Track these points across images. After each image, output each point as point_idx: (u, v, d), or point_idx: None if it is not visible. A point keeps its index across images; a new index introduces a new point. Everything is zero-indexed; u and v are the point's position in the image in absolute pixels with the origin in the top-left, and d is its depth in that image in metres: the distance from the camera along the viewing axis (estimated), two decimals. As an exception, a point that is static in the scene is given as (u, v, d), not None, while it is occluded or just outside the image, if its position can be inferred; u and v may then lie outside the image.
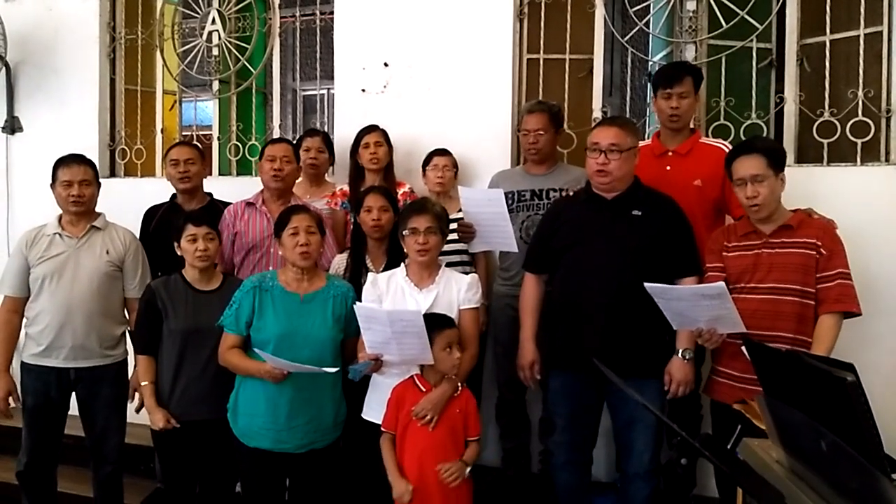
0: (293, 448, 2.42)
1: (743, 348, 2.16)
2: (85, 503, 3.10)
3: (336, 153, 3.44)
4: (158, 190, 3.39)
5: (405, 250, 2.47)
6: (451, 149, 3.21)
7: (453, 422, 2.33)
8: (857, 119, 2.97)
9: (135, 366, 2.69)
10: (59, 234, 2.81)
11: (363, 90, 3.62)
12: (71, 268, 2.78)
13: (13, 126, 4.30)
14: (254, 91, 4.11)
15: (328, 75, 3.85)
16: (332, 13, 3.78)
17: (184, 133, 4.31)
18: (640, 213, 2.42)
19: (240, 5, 3.99)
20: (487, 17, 3.41)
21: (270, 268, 2.83)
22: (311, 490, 2.53)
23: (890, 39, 2.94)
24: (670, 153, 2.77)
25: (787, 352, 1.48)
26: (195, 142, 3.93)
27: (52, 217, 2.88)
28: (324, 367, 2.30)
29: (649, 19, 3.32)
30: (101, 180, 2.94)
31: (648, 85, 3.03)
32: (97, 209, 2.92)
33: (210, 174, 3.94)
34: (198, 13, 4.07)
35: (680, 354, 2.41)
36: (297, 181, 3.21)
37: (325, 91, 4.63)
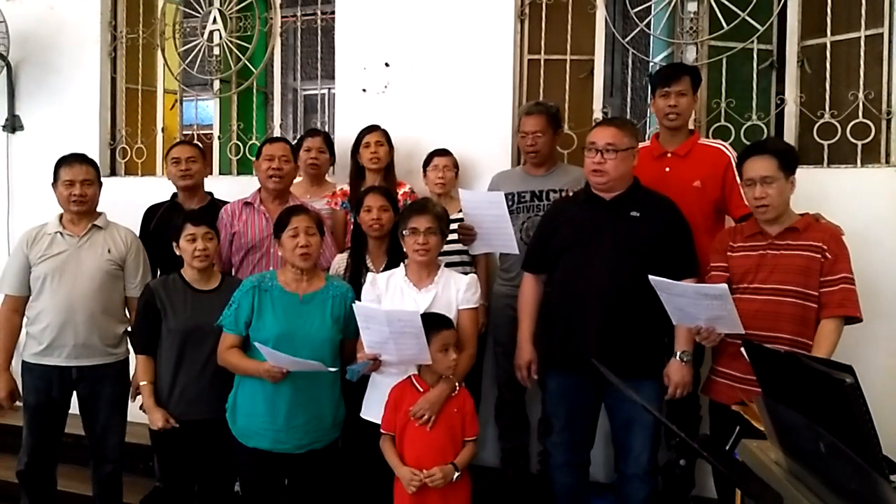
0: (292, 448, 2.42)
1: (742, 349, 2.17)
2: (84, 502, 3.09)
3: (337, 153, 3.45)
4: (159, 189, 3.39)
5: (405, 250, 2.47)
6: (452, 149, 3.21)
7: (451, 421, 2.33)
8: (857, 121, 2.98)
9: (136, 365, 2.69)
10: (61, 233, 2.82)
11: (364, 90, 3.62)
12: (72, 267, 2.78)
13: (14, 125, 4.30)
14: (255, 90, 4.11)
15: (329, 75, 3.86)
16: (333, 13, 3.79)
17: (184, 132, 4.32)
18: (638, 214, 2.41)
19: (241, 5, 3.99)
20: (488, 17, 3.41)
21: (270, 268, 2.83)
22: (310, 490, 2.53)
23: (891, 41, 2.95)
24: (669, 154, 2.77)
25: (785, 353, 1.48)
26: (196, 141, 3.92)
27: (53, 216, 2.88)
28: (324, 367, 2.30)
29: (650, 20, 3.33)
30: (101, 179, 2.94)
31: (649, 86, 3.03)
32: (98, 208, 2.92)
33: (211, 173, 3.95)
34: (199, 12, 4.08)
35: (678, 356, 2.41)
36: (297, 181, 3.21)
37: (325, 91, 4.63)
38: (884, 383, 2.56)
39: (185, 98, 4.33)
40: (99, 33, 4.17)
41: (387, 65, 3.58)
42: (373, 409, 2.46)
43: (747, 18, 3.10)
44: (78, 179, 2.80)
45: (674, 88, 2.69)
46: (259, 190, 3.04)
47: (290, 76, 4.77)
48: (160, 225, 3.09)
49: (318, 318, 2.44)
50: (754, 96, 3.18)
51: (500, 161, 3.34)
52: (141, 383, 2.60)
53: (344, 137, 3.49)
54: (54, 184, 2.84)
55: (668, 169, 2.75)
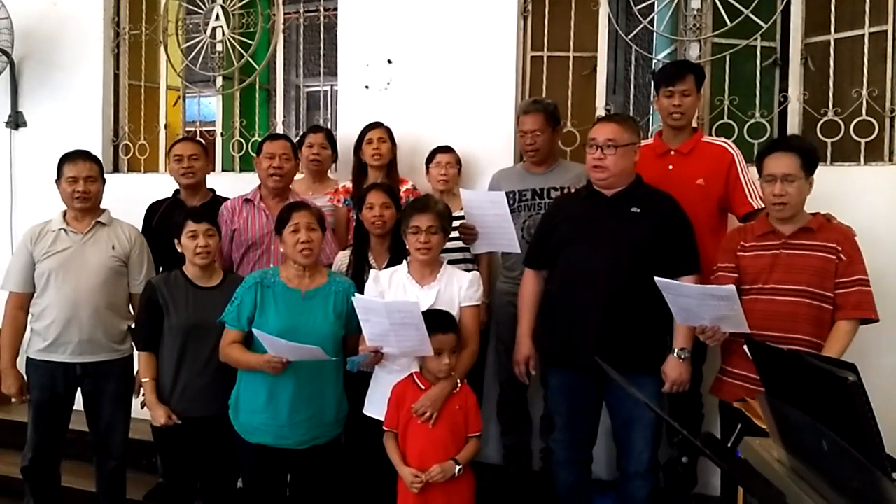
0: (294, 444, 2.43)
1: (745, 347, 2.17)
2: (88, 498, 3.10)
3: (340, 150, 3.45)
4: (161, 186, 3.40)
5: (407, 248, 2.47)
6: (455, 146, 3.20)
7: (454, 418, 2.34)
8: (860, 118, 2.97)
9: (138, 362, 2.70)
10: (65, 230, 2.82)
11: (367, 87, 3.62)
12: (77, 263, 2.78)
13: (17, 121, 4.30)
14: (257, 87, 4.11)
15: (332, 72, 3.86)
16: (335, 9, 3.79)
17: (187, 129, 4.32)
18: (638, 211, 2.41)
19: (243, 1, 3.99)
20: (491, 14, 3.41)
21: (271, 265, 2.83)
22: (313, 486, 2.54)
23: (895, 38, 2.94)
24: (672, 152, 2.77)
25: (788, 351, 1.48)
26: (198, 138, 3.93)
27: (57, 213, 2.88)
28: (324, 356, 2.30)
29: (653, 17, 3.32)
30: (105, 176, 2.94)
31: (652, 83, 3.02)
32: (101, 205, 2.92)
33: (213, 170, 3.95)
34: (202, 9, 4.08)
35: (676, 353, 2.40)
36: (299, 177, 3.21)
37: (328, 87, 4.64)
38: (888, 382, 2.55)
39: (187, 95, 4.33)
40: (102, 30, 4.17)
41: (389, 61, 3.57)
42: (375, 406, 2.47)
43: (751, 15, 3.09)
44: (81, 176, 2.80)
45: (678, 88, 2.68)
46: (259, 186, 3.04)
47: (293, 73, 4.78)
48: (162, 222, 3.10)
49: (320, 314, 2.45)
50: (757, 94, 3.17)
51: (502, 158, 3.34)
52: (143, 380, 2.61)
53: (346, 134, 3.49)
54: (58, 180, 2.84)
55: (671, 167, 2.74)
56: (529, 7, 3.46)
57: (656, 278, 2.20)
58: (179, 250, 2.63)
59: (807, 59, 3.13)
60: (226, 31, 4.02)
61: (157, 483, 3.22)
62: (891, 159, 2.95)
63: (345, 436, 2.61)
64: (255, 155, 3.10)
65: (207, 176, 3.30)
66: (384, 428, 2.38)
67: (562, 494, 2.61)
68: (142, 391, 2.69)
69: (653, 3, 3.31)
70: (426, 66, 3.51)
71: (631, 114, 3.53)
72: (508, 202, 2.79)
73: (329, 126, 3.84)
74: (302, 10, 4.02)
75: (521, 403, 3.15)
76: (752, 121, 3.15)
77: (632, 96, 3.69)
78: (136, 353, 2.76)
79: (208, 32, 4.05)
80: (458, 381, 2.37)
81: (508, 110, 3.39)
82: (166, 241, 2.75)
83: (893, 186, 2.85)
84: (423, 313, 2.25)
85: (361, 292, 2.49)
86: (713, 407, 2.62)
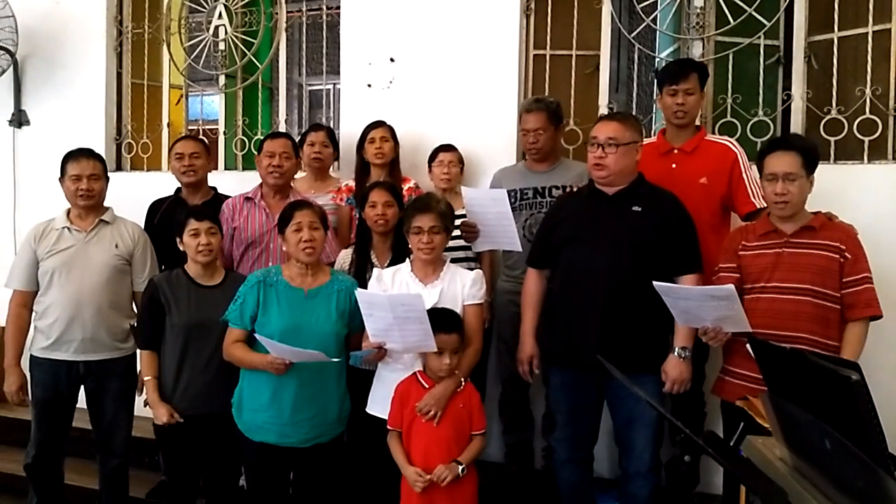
0: (297, 442, 2.43)
1: (747, 346, 2.17)
2: (91, 495, 3.11)
3: (342, 149, 3.45)
4: (164, 184, 3.40)
5: (410, 247, 2.47)
6: (457, 144, 3.20)
7: (457, 416, 2.34)
8: (864, 117, 2.96)
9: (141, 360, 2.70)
10: (68, 228, 2.82)
11: (369, 85, 3.62)
12: (80, 262, 2.79)
13: (20, 119, 4.31)
14: (260, 86, 4.11)
15: (334, 70, 3.86)
16: (338, 8, 3.78)
17: (190, 127, 4.32)
18: (639, 209, 2.40)
19: (246, 0, 3.99)
20: (494, 12, 3.40)
21: (270, 263, 2.84)
22: (316, 484, 2.54)
23: (899, 37, 2.93)
24: (675, 151, 2.76)
25: (791, 350, 1.48)
26: (201, 136, 3.93)
27: (60, 211, 2.89)
28: (326, 357, 2.30)
29: (656, 15, 3.31)
30: (108, 174, 2.94)
31: (655, 81, 3.01)
32: (104, 203, 2.92)
33: (216, 168, 3.95)
34: (204, 7, 4.08)
35: (676, 352, 2.39)
36: (301, 176, 3.21)
37: (331, 86, 4.63)
38: (891, 381, 2.55)
39: (190, 93, 4.33)
40: (105, 28, 4.17)
41: (392, 60, 3.57)
42: (378, 404, 2.47)
43: (754, 14, 3.08)
44: (85, 174, 2.80)
45: (682, 86, 2.68)
46: (260, 185, 3.04)
47: (296, 71, 4.78)
48: (164, 220, 3.10)
49: (323, 313, 2.45)
50: (761, 92, 3.17)
51: (505, 156, 3.34)
52: (145, 378, 2.61)
53: (349, 133, 3.49)
54: (61, 178, 2.85)
55: (674, 165, 2.74)
56: (532, 5, 3.46)
57: (655, 283, 2.19)
58: (181, 249, 2.63)
59: (810, 58, 3.13)
60: (228, 29, 4.02)
61: (159, 481, 3.22)
62: (894, 158, 2.94)
63: (348, 434, 2.62)
64: (257, 153, 3.10)
65: (210, 174, 3.30)
66: (388, 427, 2.38)
67: (564, 493, 2.62)
68: (144, 389, 2.70)
69: (656, 2, 3.30)
70: (428, 64, 3.50)
71: (634, 112, 3.50)
72: (510, 200, 2.79)
73: (332, 125, 3.83)
74: (304, 9, 4.02)
75: (522, 402, 3.15)
76: (756, 119, 3.14)
77: (634, 95, 3.67)
78: (138, 351, 2.76)
79: (211, 31, 4.05)
80: (462, 379, 2.38)
81: (511, 109, 3.39)
82: (168, 240, 2.75)
83: (897, 185, 2.85)
84: (428, 311, 2.24)
85: (364, 291, 2.50)
86: (715, 406, 2.61)
